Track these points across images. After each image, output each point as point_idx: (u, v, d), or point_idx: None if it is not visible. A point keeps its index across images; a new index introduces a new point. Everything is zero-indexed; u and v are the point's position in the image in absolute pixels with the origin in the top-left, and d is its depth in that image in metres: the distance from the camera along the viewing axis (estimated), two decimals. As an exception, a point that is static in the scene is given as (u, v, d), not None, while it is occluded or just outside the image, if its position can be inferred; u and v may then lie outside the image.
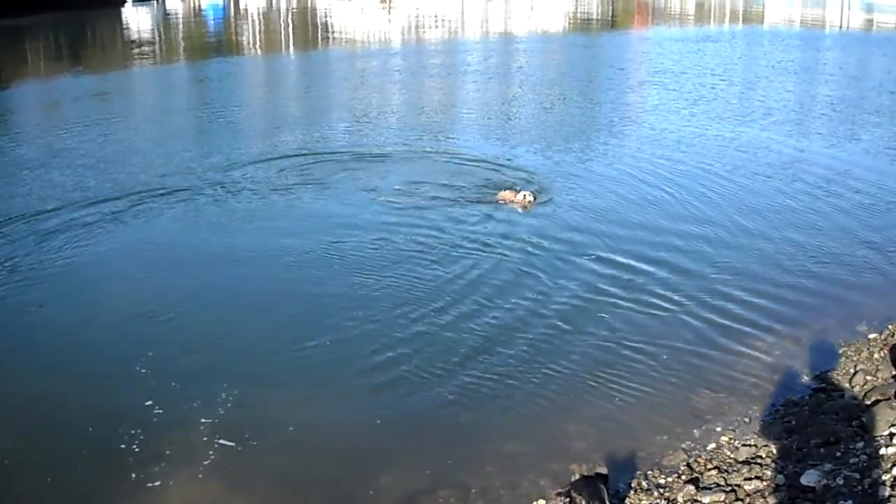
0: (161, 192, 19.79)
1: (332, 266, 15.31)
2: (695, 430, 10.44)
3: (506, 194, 19.11)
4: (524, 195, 18.87)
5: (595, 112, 30.92)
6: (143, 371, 11.73)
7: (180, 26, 65.77)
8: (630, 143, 25.21)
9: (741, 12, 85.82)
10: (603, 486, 8.36)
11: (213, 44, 58.22)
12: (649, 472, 9.62)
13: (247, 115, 30.74)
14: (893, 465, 8.63)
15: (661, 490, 9.25)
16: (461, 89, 37.03)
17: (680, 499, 8.98)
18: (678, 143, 25.14)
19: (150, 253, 16.25)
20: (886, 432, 9.35)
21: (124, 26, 64.00)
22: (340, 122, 29.13)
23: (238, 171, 21.68)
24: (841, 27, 72.50)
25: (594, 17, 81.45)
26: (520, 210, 18.39)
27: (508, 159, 22.89)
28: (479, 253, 15.89)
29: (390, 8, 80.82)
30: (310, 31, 66.42)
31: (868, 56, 50.90)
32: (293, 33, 63.65)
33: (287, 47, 56.03)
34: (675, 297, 14.12)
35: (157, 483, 9.45)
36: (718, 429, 10.45)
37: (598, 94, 35.05)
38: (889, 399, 10.07)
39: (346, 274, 14.95)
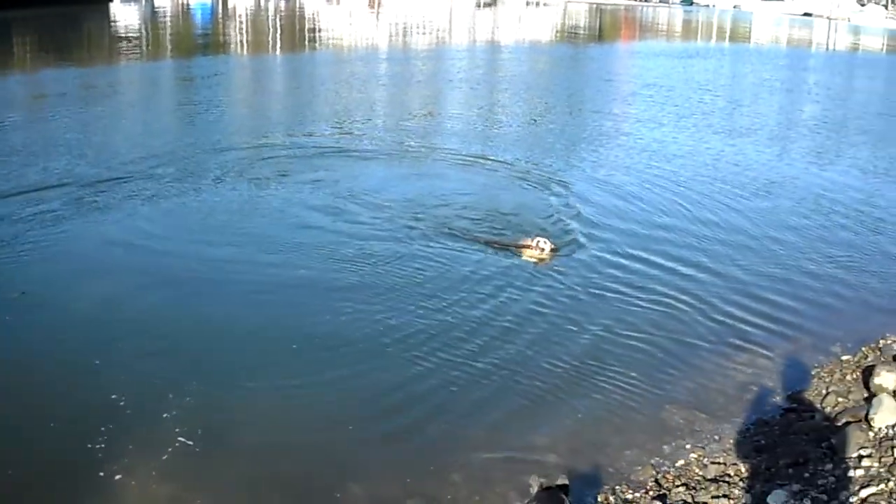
0: (144, 183, 19.75)
1: (310, 269, 15.22)
2: (664, 446, 10.39)
3: (517, 242, 16.59)
4: (538, 242, 16.22)
5: (587, 124, 31.01)
6: (115, 365, 11.61)
7: (168, 24, 65.66)
8: (624, 159, 25.14)
9: (728, 30, 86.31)
10: (565, 497, 8.32)
11: (199, 42, 58.13)
12: (617, 487, 9.58)
13: (230, 113, 30.68)
14: (862, 487, 8.63)
15: (629, 505, 9.24)
16: (449, 97, 37.03)
17: (646, 515, 8.97)
18: (671, 158, 25.52)
19: (131, 244, 16.14)
20: (856, 454, 9.35)
21: (112, 22, 63.81)
22: (323, 123, 29.01)
23: (218, 165, 21.67)
24: (827, 48, 72.99)
25: (581, 29, 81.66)
26: (534, 262, 16.02)
27: (497, 174, 22.66)
28: (460, 267, 15.82)
29: (378, 13, 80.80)
30: (297, 33, 66.36)
31: (853, 77, 51.23)
32: (281, 35, 63.57)
33: (274, 48, 55.96)
34: (645, 317, 14.11)
35: (119, 477, 9.33)
36: (688, 445, 10.42)
37: (588, 106, 35.20)
38: (860, 421, 10.08)
39: (323, 277, 14.86)
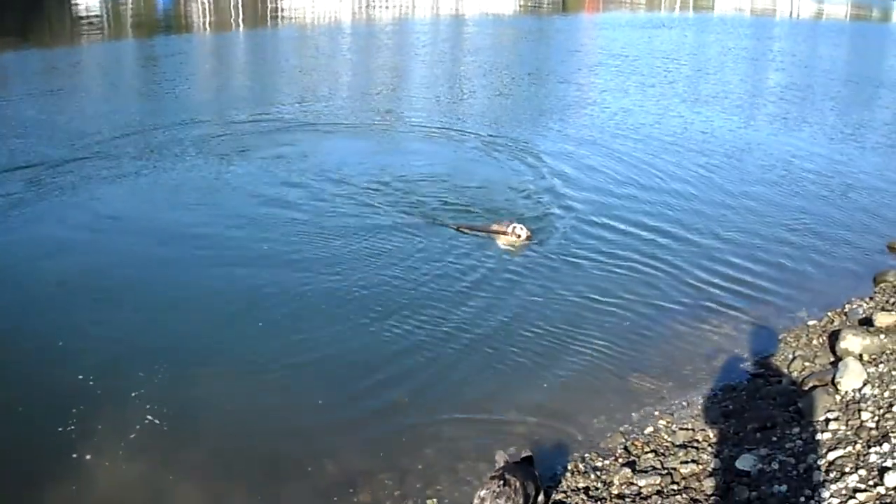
0: (108, 162, 19.58)
1: (277, 247, 15.14)
2: (633, 414, 10.46)
3: (491, 227, 15.94)
4: (514, 228, 15.57)
5: (555, 95, 31.09)
6: (83, 346, 11.55)
7: (129, 4, 64.97)
8: (593, 129, 25.24)
9: (692, 0, 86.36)
10: (533, 469, 8.38)
11: (161, 22, 57.60)
12: (587, 455, 9.63)
13: (194, 91, 30.42)
14: (829, 450, 8.70)
15: (598, 472, 9.26)
16: (414, 71, 37.02)
17: (616, 481, 9.00)
18: (640, 126, 25.80)
19: (95, 224, 16.02)
20: (823, 418, 9.43)
21: (72, 4, 63.10)
22: (288, 98, 28.76)
23: (183, 142, 21.52)
24: (791, 16, 73.27)
25: (545, 1, 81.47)
26: (509, 247, 15.42)
27: (467, 152, 22.35)
28: (423, 240, 15.80)
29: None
30: (260, 10, 65.84)
31: (818, 45, 51.43)
32: (244, 12, 63.09)
33: (237, 26, 55.58)
34: (615, 285, 14.19)
35: (89, 457, 9.30)
36: (656, 412, 10.49)
37: (555, 77, 35.20)
38: (826, 385, 10.15)
39: (289, 256, 14.80)
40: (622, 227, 16.60)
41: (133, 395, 10.37)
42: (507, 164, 20.68)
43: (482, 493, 7.90)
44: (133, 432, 9.70)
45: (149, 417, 9.95)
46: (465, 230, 16.02)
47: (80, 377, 10.69)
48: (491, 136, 23.41)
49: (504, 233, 15.63)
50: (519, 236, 15.49)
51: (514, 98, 30.17)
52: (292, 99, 28.58)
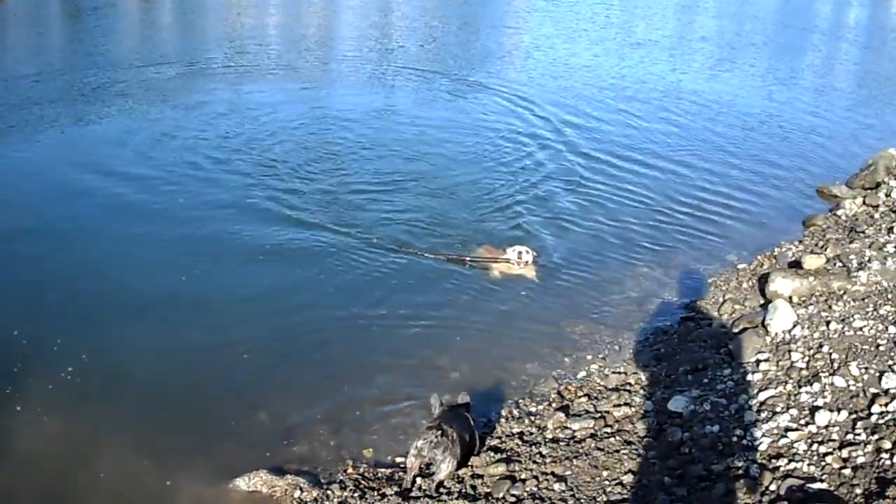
0: (23, 114, 19.17)
1: (207, 203, 14.86)
2: (566, 359, 10.55)
3: (489, 252, 13.39)
4: (518, 254, 13.03)
5: (490, 40, 31.10)
6: (9, 303, 11.34)
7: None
8: (531, 73, 25.48)
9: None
10: (469, 415, 8.41)
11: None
12: (521, 401, 9.70)
13: (120, 41, 29.83)
14: (760, 390, 8.80)
15: (532, 417, 9.32)
16: (347, 21, 36.62)
17: (550, 426, 9.04)
18: (577, 69, 25.92)
19: (9, 179, 15.79)
20: (753, 359, 9.52)
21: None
22: (219, 46, 28.24)
23: (109, 93, 21.07)
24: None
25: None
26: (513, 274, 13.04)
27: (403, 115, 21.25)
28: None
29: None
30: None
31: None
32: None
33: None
34: (548, 227, 14.32)
35: (19, 408, 9.19)
36: (589, 357, 10.60)
37: (487, 21, 35.14)
38: (756, 327, 10.24)
39: (216, 213, 14.48)
40: (553, 174, 16.64)
41: (58, 349, 10.19)
42: (444, 109, 20.71)
43: (419, 443, 7.92)
44: (62, 388, 9.55)
45: (75, 373, 9.80)
46: (466, 262, 13.23)
47: (16, 333, 10.51)
48: (430, 82, 23.42)
49: (508, 261, 13.11)
50: (527, 263, 13.04)
51: (451, 45, 29.97)
52: (228, 47, 28.07)
